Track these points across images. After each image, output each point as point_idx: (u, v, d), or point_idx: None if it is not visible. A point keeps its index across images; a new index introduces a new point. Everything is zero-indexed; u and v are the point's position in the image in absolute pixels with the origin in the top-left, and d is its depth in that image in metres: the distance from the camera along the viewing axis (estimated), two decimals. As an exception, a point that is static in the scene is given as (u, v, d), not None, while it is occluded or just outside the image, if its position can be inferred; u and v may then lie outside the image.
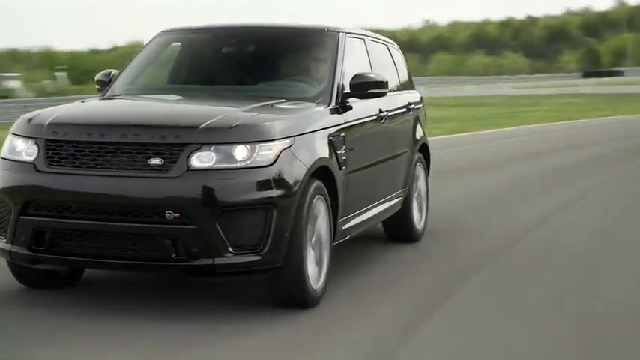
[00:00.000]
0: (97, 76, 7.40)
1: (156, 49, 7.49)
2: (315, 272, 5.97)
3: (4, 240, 5.80)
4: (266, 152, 5.53)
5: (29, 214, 5.65)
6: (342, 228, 6.53)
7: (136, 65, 7.35)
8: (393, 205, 7.86)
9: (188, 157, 5.42)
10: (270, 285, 5.84)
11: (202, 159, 5.44)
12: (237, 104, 6.14)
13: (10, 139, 5.96)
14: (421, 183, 8.72)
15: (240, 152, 5.48)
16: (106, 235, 5.51)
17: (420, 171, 8.66)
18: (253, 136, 5.53)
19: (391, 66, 8.40)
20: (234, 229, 5.42)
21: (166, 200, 5.38)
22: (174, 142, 5.46)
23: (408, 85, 8.83)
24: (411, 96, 8.68)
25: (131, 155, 5.50)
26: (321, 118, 6.30)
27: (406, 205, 8.24)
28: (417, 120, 8.60)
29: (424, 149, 8.80)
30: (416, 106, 8.67)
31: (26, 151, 5.79)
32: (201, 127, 5.52)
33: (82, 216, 5.53)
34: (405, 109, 8.26)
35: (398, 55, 8.75)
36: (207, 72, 7.38)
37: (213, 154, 5.44)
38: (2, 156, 5.94)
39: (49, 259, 5.70)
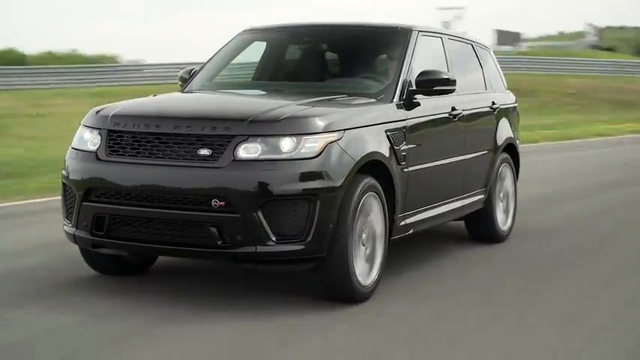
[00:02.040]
0: (180, 73, 7.73)
1: (236, 47, 7.73)
2: (365, 268, 6.04)
3: (70, 224, 6.14)
4: (311, 144, 5.64)
5: (90, 201, 5.95)
6: (402, 224, 6.57)
7: (215, 62, 7.63)
8: (470, 203, 7.84)
9: (235, 147, 5.60)
10: (316, 277, 5.95)
11: (249, 150, 5.60)
12: (295, 99, 6.28)
13: (80, 130, 6.30)
14: (507, 183, 8.65)
15: (286, 144, 5.62)
16: (158, 222, 5.74)
17: (505, 172, 8.59)
18: (299, 128, 5.66)
19: (475, 65, 8.38)
20: (277, 218, 5.55)
21: (212, 189, 5.57)
22: (222, 133, 5.65)
23: (496, 85, 8.77)
24: (498, 96, 8.62)
25: (183, 146, 5.73)
26: (379, 113, 6.37)
27: (488, 204, 8.20)
28: (503, 120, 8.53)
29: (511, 150, 8.72)
30: (503, 107, 8.59)
31: (91, 140, 6.11)
32: (249, 119, 5.69)
33: (136, 203, 5.79)
34: (487, 109, 8.22)
35: (486, 54, 8.71)
36: (278, 69, 7.62)
37: (259, 146, 5.60)
38: (72, 146, 6.28)
39: (108, 243, 5.97)
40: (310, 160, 5.62)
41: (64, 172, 6.24)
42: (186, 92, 7.30)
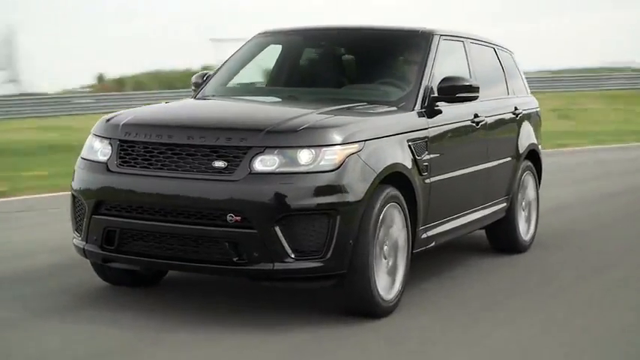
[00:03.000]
0: (193, 78, 7.48)
1: (251, 51, 7.48)
2: (386, 282, 5.80)
3: (80, 238, 5.91)
4: (331, 157, 5.40)
5: (100, 214, 5.72)
6: (424, 236, 6.32)
7: (230, 67, 7.38)
8: (492, 213, 7.58)
9: (251, 160, 5.35)
10: (336, 293, 5.71)
11: (265, 162, 5.36)
12: (314, 107, 6.03)
13: (89, 139, 6.06)
14: (530, 192, 8.39)
15: (304, 156, 5.37)
16: (170, 237, 5.50)
17: (528, 179, 8.33)
18: (318, 140, 5.41)
19: (497, 69, 8.12)
20: (296, 234, 5.31)
21: (228, 203, 5.33)
22: (238, 144, 5.41)
23: (519, 90, 8.51)
24: (521, 101, 8.36)
25: (196, 157, 5.48)
26: (400, 123, 6.12)
27: (510, 214, 7.94)
28: (525, 126, 8.27)
29: (534, 157, 8.46)
30: (525, 112, 8.33)
31: (101, 150, 5.87)
32: (266, 130, 5.44)
33: (148, 217, 5.55)
34: (510, 115, 7.96)
35: (508, 58, 8.44)
36: (295, 74, 7.36)
37: (276, 158, 5.35)
38: (81, 156, 6.05)
39: (119, 258, 5.74)
40: (330, 173, 5.37)
41: (73, 183, 6.00)
42: (199, 98, 7.05)
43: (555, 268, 7.55)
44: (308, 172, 5.34)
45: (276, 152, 5.36)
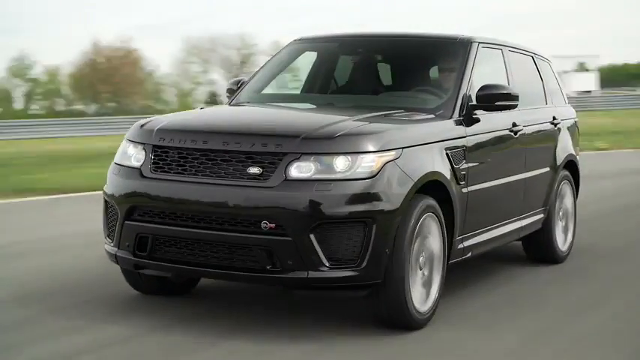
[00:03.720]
0: (228, 84, 7.41)
1: (286, 58, 7.41)
2: (421, 294, 5.69)
3: (112, 244, 5.84)
4: (368, 164, 5.30)
5: (133, 220, 5.65)
6: (460, 246, 6.21)
7: (264, 73, 7.30)
8: (529, 224, 7.45)
9: (287, 166, 5.26)
10: (370, 303, 5.61)
11: (301, 169, 5.26)
12: (350, 114, 5.94)
13: (123, 145, 6.00)
14: (567, 202, 8.25)
15: (341, 163, 5.27)
16: (204, 244, 5.42)
17: (565, 189, 8.19)
18: (355, 146, 5.31)
19: (535, 78, 7.99)
20: (331, 242, 5.21)
21: (262, 210, 5.24)
22: (274, 150, 5.32)
23: (557, 99, 8.38)
24: (559, 110, 8.22)
25: (231, 163, 5.40)
26: (438, 131, 6.01)
27: (547, 224, 7.80)
28: (563, 136, 8.13)
29: (571, 166, 8.31)
30: (564, 122, 8.19)
31: (135, 156, 5.80)
32: (302, 136, 5.35)
33: (181, 223, 5.47)
34: (548, 124, 7.83)
35: (546, 67, 8.31)
36: (332, 81, 7.27)
37: (312, 165, 5.26)
38: (115, 161, 5.98)
39: (151, 264, 5.66)
40: (366, 181, 5.26)
41: (105, 188, 5.94)
42: (233, 105, 6.98)
43: (595, 279, 7.38)
44: (344, 180, 5.24)
45: (312, 159, 5.27)
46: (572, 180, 8.33)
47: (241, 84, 7.29)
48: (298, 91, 7.40)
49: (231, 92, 7.31)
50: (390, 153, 5.39)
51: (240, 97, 7.08)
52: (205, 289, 6.61)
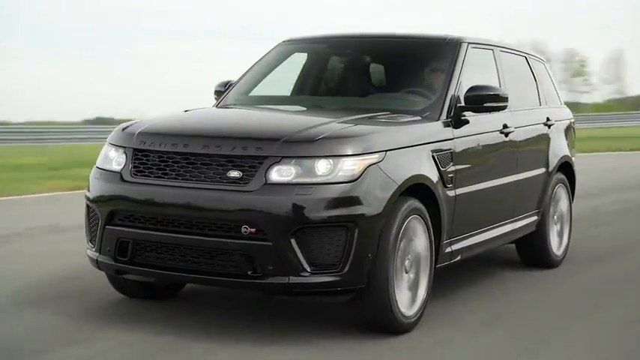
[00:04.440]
0: (216, 86, 7.33)
1: (274, 59, 7.32)
2: (407, 297, 5.60)
3: (94, 249, 5.77)
4: (350, 167, 5.20)
5: (114, 224, 5.57)
6: (448, 250, 6.11)
7: (252, 75, 7.22)
8: (522, 226, 7.35)
9: (267, 170, 5.17)
10: (355, 308, 5.52)
11: (282, 172, 5.18)
12: (335, 116, 5.85)
13: (105, 148, 5.92)
14: (562, 205, 8.14)
15: (322, 167, 5.18)
16: (184, 249, 5.34)
17: (560, 192, 8.08)
18: (336, 150, 5.22)
19: (529, 79, 7.88)
20: (312, 247, 5.12)
21: (242, 214, 5.15)
22: (254, 154, 5.23)
23: (552, 100, 8.27)
24: (553, 111, 8.12)
25: (212, 167, 5.32)
26: (424, 133, 5.91)
27: (541, 227, 7.70)
28: (557, 137, 8.02)
29: (567, 169, 8.20)
30: (558, 123, 8.09)
31: (116, 160, 5.73)
32: (283, 139, 5.26)
33: (161, 228, 5.39)
34: (541, 125, 7.72)
35: (540, 68, 8.20)
36: (320, 83, 7.18)
37: (293, 168, 5.17)
38: (97, 165, 5.91)
39: (132, 270, 5.58)
40: (348, 184, 5.17)
41: (86, 192, 5.86)
42: (220, 107, 6.90)
43: (588, 285, 7.28)
44: (325, 183, 5.15)
45: (293, 162, 5.18)
46: (567, 183, 8.22)
47: (229, 86, 7.21)
48: (286, 93, 7.28)
49: (219, 94, 7.23)
50: (372, 156, 5.30)
51: (228, 100, 7.01)
52: (192, 293, 6.52)
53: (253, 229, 5.13)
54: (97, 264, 5.75)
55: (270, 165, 5.18)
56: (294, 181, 5.15)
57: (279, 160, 5.19)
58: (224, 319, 5.89)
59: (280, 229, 5.08)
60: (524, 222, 7.40)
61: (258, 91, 7.11)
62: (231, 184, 5.22)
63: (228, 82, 7.29)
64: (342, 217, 5.14)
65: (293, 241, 5.09)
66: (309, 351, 5.22)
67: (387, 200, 5.30)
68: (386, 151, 5.39)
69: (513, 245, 7.89)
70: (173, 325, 5.71)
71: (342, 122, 5.62)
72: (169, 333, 5.51)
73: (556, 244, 7.98)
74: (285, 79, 7.39)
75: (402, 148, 5.57)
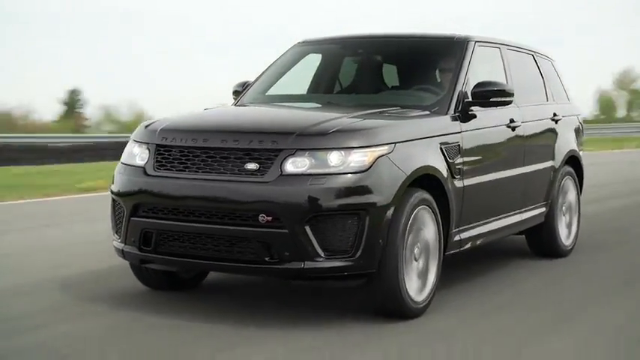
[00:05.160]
0: (234, 87, 7.65)
1: (290, 60, 7.63)
2: (417, 283, 5.87)
3: (119, 240, 6.08)
4: (361, 158, 5.50)
5: (138, 216, 5.88)
6: (457, 238, 6.39)
7: (268, 75, 7.54)
8: (530, 217, 7.62)
9: (282, 162, 5.47)
10: (366, 293, 5.80)
11: (297, 164, 5.47)
12: (347, 112, 6.14)
13: (129, 145, 6.24)
14: (570, 197, 8.41)
15: (334, 158, 5.47)
16: (205, 237, 5.64)
17: (568, 184, 8.35)
18: (348, 142, 5.52)
19: (536, 76, 8.16)
20: (325, 233, 5.41)
21: (260, 204, 5.45)
22: (270, 147, 5.53)
23: (559, 96, 8.54)
24: (561, 107, 8.39)
25: (230, 160, 5.62)
26: (432, 126, 6.20)
27: (550, 218, 7.97)
28: (564, 132, 8.30)
29: (574, 162, 8.48)
30: (565, 118, 8.36)
31: (140, 155, 6.04)
32: (297, 133, 5.56)
33: (183, 218, 5.70)
34: (548, 120, 8.00)
35: (547, 65, 8.48)
36: (333, 81, 7.48)
37: (307, 160, 5.47)
38: (122, 161, 6.23)
39: (157, 259, 5.89)
40: (359, 174, 5.46)
41: (112, 187, 6.18)
42: (238, 106, 7.22)
43: (597, 275, 7.53)
44: (338, 173, 5.44)
45: (306, 154, 5.48)
46: (575, 176, 8.48)
47: (246, 86, 7.53)
48: (302, 92, 7.59)
49: (237, 94, 7.55)
50: (382, 148, 5.59)
51: (245, 99, 7.33)
52: (215, 284, 6.83)
53: (270, 218, 5.42)
54: (123, 254, 6.06)
55: (285, 157, 5.48)
56: (308, 172, 5.44)
57: (293, 152, 5.49)
58: (243, 308, 6.19)
59: (295, 217, 5.38)
60: (533, 213, 7.68)
61: (275, 90, 7.42)
62: (249, 176, 5.53)
63: (246, 82, 7.62)
64: (353, 206, 5.43)
65: (307, 228, 5.38)
66: (326, 332, 5.51)
67: (397, 189, 5.58)
68: (395, 143, 5.68)
69: (523, 237, 8.15)
70: (198, 313, 6.01)
71: (353, 117, 5.92)
72: (198, 320, 5.81)
73: (565, 234, 8.26)
74: (300, 78, 7.69)
75: (411, 140, 5.86)
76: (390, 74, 7.39)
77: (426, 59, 7.20)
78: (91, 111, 69.07)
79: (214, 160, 5.68)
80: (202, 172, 5.69)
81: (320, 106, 7.04)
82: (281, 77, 7.54)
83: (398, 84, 7.24)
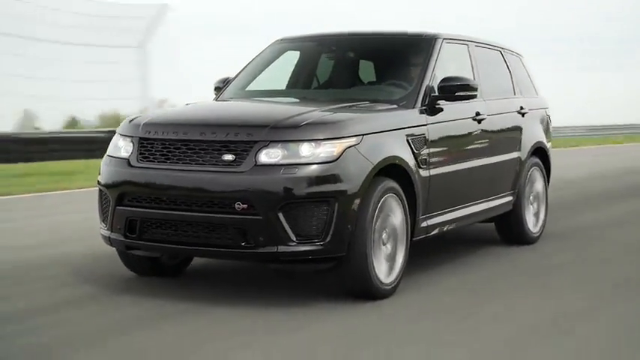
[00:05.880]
0: (215, 83, 8.05)
1: (269, 57, 8.04)
2: (385, 267, 6.27)
3: (106, 228, 6.47)
4: (330, 149, 5.89)
5: (123, 205, 6.28)
6: (424, 224, 6.79)
7: (248, 71, 7.94)
8: (497, 206, 8.04)
9: (257, 153, 5.87)
10: (336, 275, 6.20)
11: (270, 155, 5.87)
12: (319, 106, 6.54)
13: (114, 138, 6.63)
14: (538, 187, 8.83)
15: (305, 149, 5.87)
16: (186, 224, 6.03)
17: (535, 175, 8.77)
18: (318, 134, 5.91)
19: (504, 71, 8.57)
20: (297, 220, 5.81)
21: (236, 193, 5.85)
22: (245, 139, 5.93)
23: (527, 91, 8.96)
24: (528, 101, 8.81)
25: (208, 152, 6.01)
26: (399, 119, 6.59)
27: (517, 207, 8.39)
28: (530, 124, 8.72)
29: (541, 154, 8.90)
30: (532, 111, 8.78)
31: (124, 148, 6.44)
32: (271, 125, 5.96)
33: (165, 207, 6.09)
34: (515, 113, 8.41)
35: (515, 60, 8.90)
36: (311, 77, 7.89)
37: (279, 151, 5.86)
38: (107, 153, 6.62)
39: (141, 245, 6.28)
40: (328, 164, 5.86)
41: (99, 177, 6.57)
42: (219, 101, 7.62)
43: (562, 260, 7.94)
44: (308, 163, 5.84)
45: (279, 146, 5.88)
46: (542, 166, 8.91)
47: (227, 82, 7.93)
48: (280, 88, 7.98)
49: (218, 90, 7.95)
50: (350, 139, 5.99)
51: (225, 94, 7.73)
52: (198, 271, 7.24)
53: (245, 206, 5.82)
54: (110, 241, 6.46)
55: (260, 148, 5.88)
56: (281, 162, 5.84)
57: (267, 144, 5.89)
58: (224, 291, 6.60)
59: (269, 204, 5.78)
60: (499, 202, 8.09)
61: (254, 86, 7.82)
62: (226, 166, 5.93)
63: (227, 78, 8.02)
64: (323, 194, 5.83)
65: (280, 214, 5.78)
66: (306, 317, 5.92)
67: (364, 178, 5.98)
68: (363, 135, 6.08)
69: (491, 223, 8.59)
70: (178, 296, 6.42)
71: (324, 110, 6.32)
72: (179, 302, 6.23)
73: (532, 222, 8.68)
74: (278, 74, 8.09)
75: (378, 132, 6.26)
76: (364, 70, 7.79)
77: (396, 56, 7.59)
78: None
79: (194, 151, 6.07)
80: (182, 163, 6.08)
81: (297, 100, 7.45)
82: (260, 73, 7.94)
83: (371, 79, 7.65)
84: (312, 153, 5.87)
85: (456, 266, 7.51)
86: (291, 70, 8.11)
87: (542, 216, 8.93)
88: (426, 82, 7.01)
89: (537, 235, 8.77)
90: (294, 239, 5.81)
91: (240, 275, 7.15)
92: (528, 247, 8.50)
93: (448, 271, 7.31)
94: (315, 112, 6.24)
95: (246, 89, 7.78)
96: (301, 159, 5.85)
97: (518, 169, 8.39)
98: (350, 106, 6.61)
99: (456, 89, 6.99)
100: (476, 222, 8.04)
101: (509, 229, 8.54)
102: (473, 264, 7.64)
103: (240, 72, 7.98)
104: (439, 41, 7.42)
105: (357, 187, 5.95)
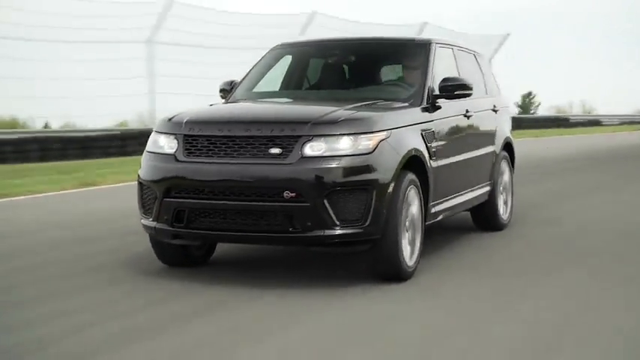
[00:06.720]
0: (221, 85, 8.61)
1: (269, 61, 8.67)
2: (408, 250, 6.96)
3: (150, 219, 6.96)
4: (367, 142, 6.56)
5: (171, 197, 6.79)
6: (433, 210, 7.53)
7: (253, 75, 8.56)
8: (480, 194, 8.86)
9: (302, 146, 6.49)
10: (369, 258, 6.87)
11: (314, 148, 6.48)
12: (341, 104, 7.18)
13: (153, 136, 7.13)
14: (506, 177, 9.71)
15: (345, 142, 6.51)
16: (235, 213, 6.58)
17: (504, 167, 9.65)
18: (356, 128, 6.58)
19: (478, 72, 9.41)
20: (341, 206, 6.44)
21: (284, 182, 6.44)
22: (290, 134, 6.54)
23: (493, 90, 9.82)
24: (497, 99, 9.68)
25: (255, 146, 6.58)
26: (414, 116, 7.33)
27: (492, 196, 9.23)
28: (502, 121, 9.60)
29: (508, 147, 9.78)
30: (501, 108, 9.65)
31: (168, 144, 6.93)
32: (312, 122, 6.59)
33: (214, 197, 6.63)
34: (490, 111, 9.26)
35: (484, 63, 9.76)
36: (314, 79, 8.54)
37: (322, 144, 6.50)
38: (147, 150, 7.11)
39: (188, 233, 6.81)
40: (366, 156, 6.53)
41: (140, 172, 7.05)
42: (232, 102, 8.18)
43: (537, 244, 8.81)
44: (349, 155, 6.49)
45: (322, 140, 6.51)
46: (509, 159, 9.80)
47: (233, 84, 8.51)
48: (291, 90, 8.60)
49: (224, 92, 8.53)
50: (382, 133, 6.68)
51: (236, 95, 8.32)
52: (221, 260, 7.81)
53: (294, 194, 6.43)
54: (155, 231, 6.96)
55: (304, 142, 6.50)
56: (324, 154, 6.48)
57: (310, 138, 6.52)
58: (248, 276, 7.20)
59: (316, 192, 6.40)
60: (481, 191, 8.93)
61: (259, 87, 8.44)
62: (273, 159, 6.52)
63: (232, 81, 8.59)
64: (362, 182, 6.49)
65: (326, 201, 6.41)
66: (327, 299, 6.57)
67: (395, 169, 6.68)
68: (391, 129, 6.78)
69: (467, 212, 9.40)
70: (213, 282, 6.99)
71: (352, 108, 6.96)
72: (212, 289, 6.80)
73: (503, 210, 9.54)
74: (278, 77, 8.72)
75: (402, 127, 6.97)
76: (370, 72, 8.42)
77: (394, 59, 8.40)
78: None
79: (240, 146, 6.63)
80: (229, 157, 6.63)
81: (313, 100, 8.08)
82: (263, 76, 8.56)
83: (371, 80, 8.30)
84: (351, 146, 6.52)
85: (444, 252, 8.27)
86: (286, 72, 8.72)
87: (509, 204, 9.81)
88: (428, 82, 7.75)
89: (507, 222, 9.63)
90: (338, 223, 6.45)
91: (263, 262, 7.75)
92: (500, 233, 9.34)
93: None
94: (343, 111, 6.85)
95: (253, 91, 8.38)
96: (342, 151, 6.49)
97: (493, 161, 9.24)
98: (370, 105, 7.28)
99: (454, 89, 7.76)
100: (465, 209, 8.84)
101: (485, 218, 9.37)
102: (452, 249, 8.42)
103: (245, 75, 8.57)
104: (434, 45, 8.19)
105: (390, 177, 6.63)
